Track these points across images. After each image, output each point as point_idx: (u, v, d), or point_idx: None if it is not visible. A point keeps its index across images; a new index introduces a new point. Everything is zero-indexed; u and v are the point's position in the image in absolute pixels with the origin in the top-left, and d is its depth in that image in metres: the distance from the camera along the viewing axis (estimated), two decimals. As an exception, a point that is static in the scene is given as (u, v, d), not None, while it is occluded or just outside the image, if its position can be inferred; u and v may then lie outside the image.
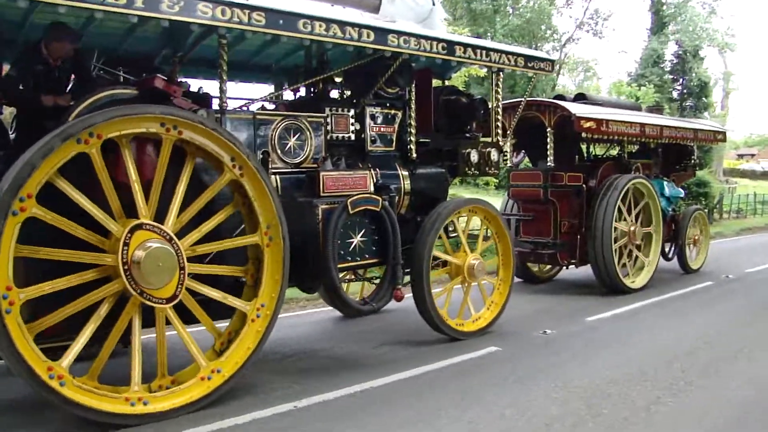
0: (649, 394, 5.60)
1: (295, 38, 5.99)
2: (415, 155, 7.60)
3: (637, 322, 8.58)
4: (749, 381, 6.00)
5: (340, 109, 7.01)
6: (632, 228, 10.93)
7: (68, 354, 4.78)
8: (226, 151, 5.39)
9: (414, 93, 7.59)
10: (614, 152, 12.89)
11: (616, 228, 10.53)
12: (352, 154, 7.20)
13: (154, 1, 4.91)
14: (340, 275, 6.44)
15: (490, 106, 8.48)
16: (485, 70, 9.12)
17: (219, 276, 5.67)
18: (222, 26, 5.39)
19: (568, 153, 11.27)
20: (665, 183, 12.45)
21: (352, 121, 7.12)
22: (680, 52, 35.89)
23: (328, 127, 6.86)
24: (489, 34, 31.67)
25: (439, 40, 6.90)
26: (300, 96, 7.57)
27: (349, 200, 6.12)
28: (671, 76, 35.71)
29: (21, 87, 5.64)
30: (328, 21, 5.96)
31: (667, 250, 12.82)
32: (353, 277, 7.96)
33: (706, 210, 16.05)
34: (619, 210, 10.59)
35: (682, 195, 13.21)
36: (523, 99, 9.38)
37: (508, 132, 11.00)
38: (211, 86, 10.07)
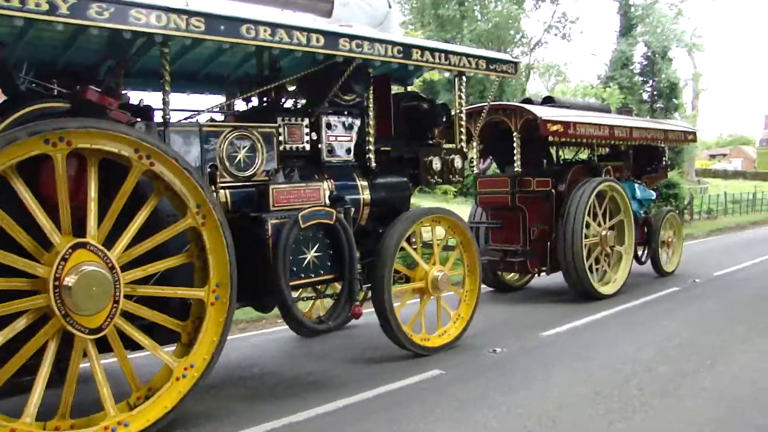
0: (601, 420, 5.18)
1: (239, 45, 5.70)
2: (374, 164, 7.35)
3: (595, 335, 8.19)
4: (712, 398, 5.65)
5: (293, 119, 6.74)
6: (603, 232, 10.74)
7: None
8: (193, 196, 5.12)
9: (372, 100, 7.33)
10: (584, 156, 12.72)
11: (586, 234, 10.33)
12: (308, 165, 6.93)
13: (81, 7, 4.59)
14: (295, 293, 6.16)
15: (452, 112, 8.25)
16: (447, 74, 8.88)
17: (166, 301, 5.36)
18: (157, 33, 5.08)
19: (535, 157, 11.09)
20: (636, 185, 12.32)
21: (306, 131, 6.84)
22: (649, 54, 36.07)
23: (281, 138, 6.58)
24: (457, 39, 31.55)
25: (394, 44, 6.66)
26: (253, 106, 7.26)
27: (300, 214, 5.83)
28: (641, 78, 35.85)
29: None
30: (274, 26, 5.68)
31: (640, 253, 12.68)
32: (314, 294, 7.68)
33: (677, 211, 15.90)
34: (589, 214, 10.39)
35: (654, 197, 13.09)
36: (486, 103, 9.14)
37: (473, 138, 10.90)
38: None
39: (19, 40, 5.76)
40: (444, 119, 8.20)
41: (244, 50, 6.88)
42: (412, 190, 7.97)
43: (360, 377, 6.52)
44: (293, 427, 5.27)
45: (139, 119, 5.37)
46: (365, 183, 7.31)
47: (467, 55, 7.56)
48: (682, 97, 40.60)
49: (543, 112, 10.14)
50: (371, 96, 7.28)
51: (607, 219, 10.96)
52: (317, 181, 6.48)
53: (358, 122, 7.28)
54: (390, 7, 7.62)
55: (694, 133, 14.97)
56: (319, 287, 7.47)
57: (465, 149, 8.31)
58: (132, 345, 5.19)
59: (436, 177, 7.91)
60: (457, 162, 8.07)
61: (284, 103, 7.43)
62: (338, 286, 6.95)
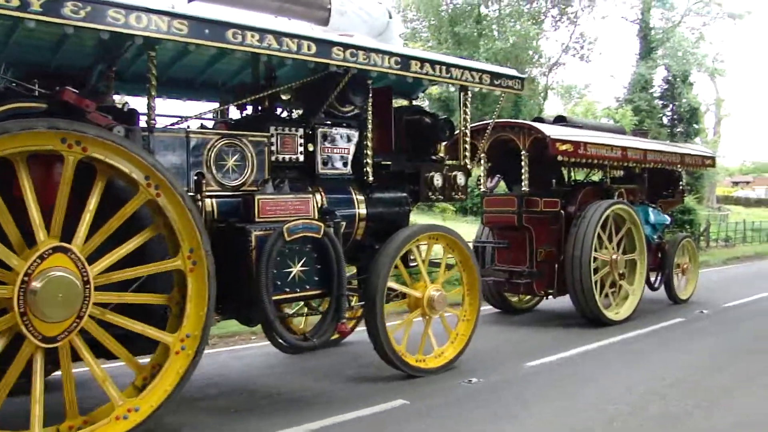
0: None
1: (228, 51, 5.52)
2: (371, 178, 7.12)
3: (585, 367, 7.62)
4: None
5: (287, 129, 6.55)
6: (614, 256, 10.43)
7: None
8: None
9: (371, 112, 7.12)
10: (597, 178, 12.44)
11: (595, 258, 10.03)
12: (302, 177, 6.74)
13: (55, 5, 4.42)
14: (290, 309, 5.93)
15: (459, 127, 8.04)
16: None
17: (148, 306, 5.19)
18: (137, 35, 4.90)
19: (545, 177, 10.81)
20: (650, 209, 11.99)
21: (301, 141, 6.64)
22: (669, 78, 35.66)
23: (273, 148, 6.39)
24: (474, 58, 31.43)
25: (391, 54, 6.46)
26: (247, 115, 7.09)
27: (285, 226, 5.60)
28: (660, 102, 35.42)
29: None
30: (262, 31, 5.50)
31: (653, 280, 12.34)
32: (307, 309, 7.45)
33: (693, 237, 15.52)
34: (599, 238, 10.09)
35: (668, 222, 12.73)
36: (491, 120, 8.90)
37: (481, 155, 10.67)
38: (162, 104, 9.65)
39: (6, 40, 5.64)
40: (447, 134, 7.97)
41: (240, 57, 6.69)
42: (411, 206, 7.73)
43: (326, 400, 6.28)
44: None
45: (119, 123, 5.16)
46: (362, 197, 7.11)
47: (470, 69, 7.34)
48: (704, 123, 40.19)
49: (552, 131, 9.89)
50: (370, 108, 7.07)
51: (620, 244, 10.62)
52: (308, 193, 6.25)
53: (355, 134, 7.08)
54: (390, 17, 7.44)
55: (713, 158, 14.63)
56: (312, 303, 7.24)
57: (469, 166, 8.05)
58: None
59: (437, 194, 7.67)
60: (460, 179, 7.83)
61: (282, 113, 7.24)
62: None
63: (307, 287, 5.88)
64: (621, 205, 10.61)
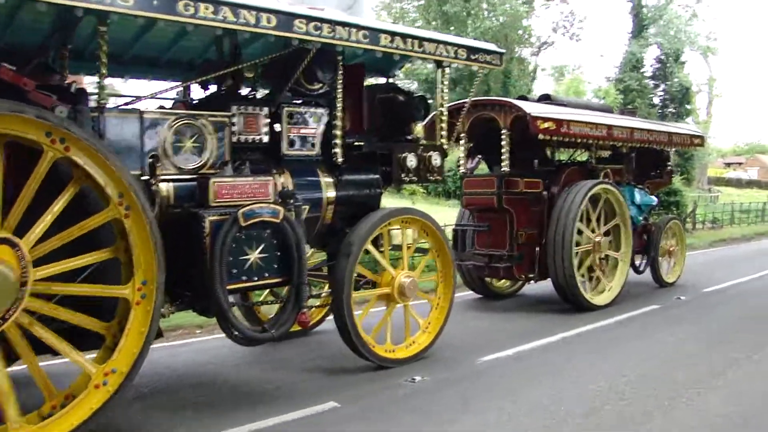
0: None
1: (177, 24, 5.29)
2: (341, 160, 6.85)
3: (540, 363, 7.12)
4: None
5: (250, 108, 6.26)
6: (597, 239, 10.22)
7: None
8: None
9: (342, 90, 6.84)
10: (584, 158, 12.20)
11: (578, 241, 9.82)
12: (266, 158, 6.47)
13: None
14: (251, 297, 5.68)
15: (437, 105, 7.79)
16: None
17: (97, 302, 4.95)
18: (78, 6, 4.61)
19: (527, 158, 10.56)
20: (636, 190, 11.82)
21: (265, 121, 6.36)
22: (661, 57, 35.33)
23: (235, 128, 6.11)
24: (462, 36, 31.13)
25: (359, 27, 6.18)
26: (211, 94, 6.81)
27: (240, 211, 5.34)
28: (652, 82, 35.12)
29: None
30: (217, 3, 5.21)
31: (638, 262, 12.16)
32: (273, 299, 7.22)
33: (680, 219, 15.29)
34: (582, 219, 9.87)
35: (655, 203, 12.55)
36: (467, 99, 8.63)
37: (461, 135, 10.41)
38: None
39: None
40: (422, 113, 7.71)
41: (204, 34, 6.43)
42: (384, 189, 7.48)
43: (254, 401, 5.93)
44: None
45: (63, 104, 4.88)
46: (330, 180, 6.86)
47: (445, 43, 7.07)
48: (696, 102, 39.92)
49: (534, 109, 9.63)
50: (340, 86, 6.79)
51: (602, 225, 10.42)
52: (271, 175, 5.98)
53: (324, 114, 6.81)
54: (360, -10, 7.15)
55: (702, 137, 14.40)
56: (277, 291, 7.01)
57: (446, 146, 7.80)
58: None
59: (411, 175, 7.42)
60: (435, 160, 7.56)
61: (252, 92, 6.96)
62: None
63: (266, 275, 5.62)
64: (605, 186, 10.38)
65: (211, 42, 7.13)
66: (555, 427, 5.23)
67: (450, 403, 5.83)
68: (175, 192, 5.63)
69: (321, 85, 6.73)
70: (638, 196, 11.74)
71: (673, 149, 13.62)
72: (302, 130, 6.63)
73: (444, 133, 7.74)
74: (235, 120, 6.13)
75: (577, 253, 9.79)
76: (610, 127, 10.76)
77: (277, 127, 6.54)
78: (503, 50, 7.95)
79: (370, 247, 6.67)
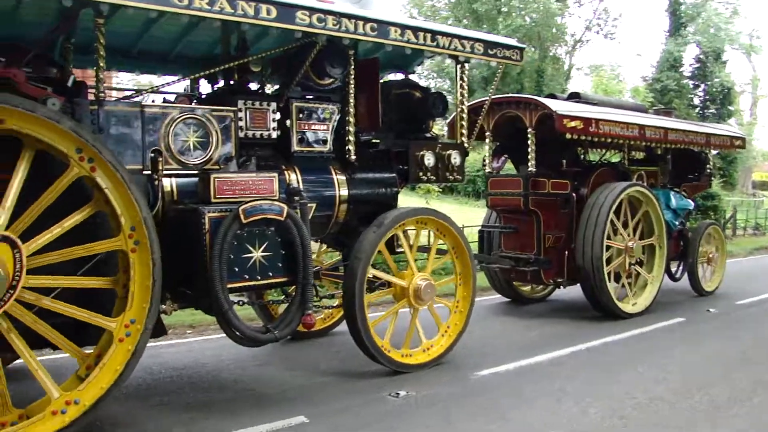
0: None
1: (175, 15, 5.20)
2: (354, 157, 6.69)
3: (540, 382, 6.49)
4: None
5: (257, 103, 6.13)
6: (630, 243, 9.90)
7: None
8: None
9: (355, 85, 6.68)
10: (616, 159, 11.89)
11: (608, 246, 9.51)
12: (275, 155, 6.33)
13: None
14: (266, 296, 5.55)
15: (456, 102, 7.60)
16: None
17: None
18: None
19: (555, 158, 10.27)
20: (672, 194, 11.43)
21: (273, 116, 6.23)
22: (700, 56, 34.58)
23: (241, 123, 5.97)
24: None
25: (366, 20, 6.00)
26: (218, 89, 6.69)
27: (241, 207, 5.18)
28: (691, 82, 34.38)
29: None
30: (213, -7, 5.08)
31: (674, 269, 11.79)
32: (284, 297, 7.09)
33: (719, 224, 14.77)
34: (613, 223, 9.57)
35: (692, 207, 12.10)
36: (488, 97, 8.41)
37: (487, 133, 10.19)
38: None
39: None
40: (440, 110, 7.50)
41: (212, 27, 6.30)
42: (400, 187, 7.29)
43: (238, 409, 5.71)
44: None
45: (56, 96, 4.78)
46: (343, 177, 6.70)
47: (460, 37, 6.87)
48: (739, 104, 39.04)
49: (561, 107, 9.35)
50: (352, 81, 6.63)
51: (635, 228, 10.10)
52: (274, 171, 5.82)
53: (336, 110, 6.66)
54: (370, -17, 6.97)
55: (743, 139, 13.90)
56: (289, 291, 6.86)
57: (466, 145, 7.59)
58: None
59: (429, 174, 7.22)
60: (455, 158, 7.36)
61: (260, 87, 6.83)
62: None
63: (270, 274, 5.45)
64: (638, 188, 10.05)
65: (217, 38, 7.03)
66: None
67: (431, 423, 5.37)
68: (178, 188, 5.57)
69: (332, 80, 6.59)
70: (674, 200, 11.35)
71: (713, 151, 13.20)
72: (313, 126, 6.49)
73: (464, 131, 7.54)
74: (241, 115, 6.00)
75: (608, 259, 9.47)
76: (642, 127, 10.41)
77: (287, 122, 6.41)
78: (523, 45, 7.71)
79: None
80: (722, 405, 5.80)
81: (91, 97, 5.32)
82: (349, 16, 5.89)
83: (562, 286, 10.12)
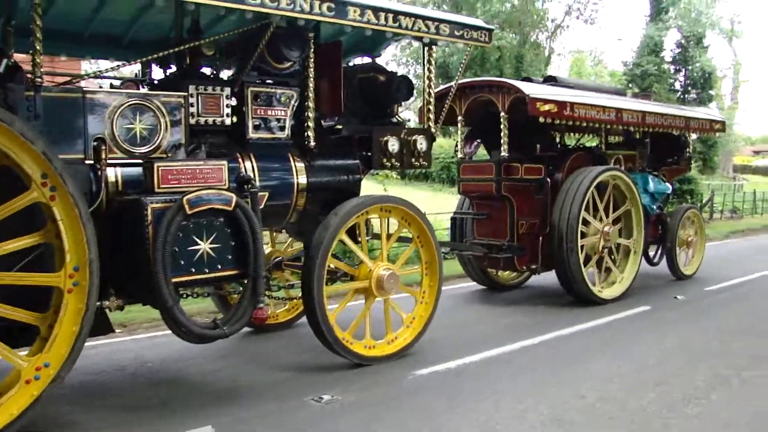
0: None
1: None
2: (313, 143, 6.43)
3: (481, 382, 6.00)
4: None
5: (209, 88, 5.85)
6: (606, 228, 9.70)
7: None
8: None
9: (316, 69, 6.42)
10: (594, 143, 11.70)
11: (584, 232, 9.32)
12: (229, 142, 6.07)
13: None
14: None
15: (423, 87, 7.38)
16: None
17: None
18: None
19: (529, 142, 10.04)
20: (650, 177, 11.26)
21: (227, 102, 5.95)
22: (681, 41, 34.42)
23: (193, 110, 5.70)
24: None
25: (323, 0, 5.70)
26: (170, 74, 6.41)
27: (186, 197, 4.91)
28: (672, 67, 34.22)
29: None
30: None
31: (652, 253, 11.64)
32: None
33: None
34: (588, 208, 9.36)
35: (669, 191, 11.96)
36: (453, 83, 8.19)
37: (459, 118, 9.95)
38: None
39: None
40: (406, 94, 7.25)
41: (165, 9, 6.03)
42: (363, 174, 7.05)
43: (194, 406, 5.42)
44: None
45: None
46: (302, 165, 6.45)
47: (425, 18, 6.61)
48: (720, 88, 38.92)
49: (534, 90, 9.11)
50: (312, 65, 6.37)
51: (611, 213, 9.89)
52: (228, 159, 5.55)
53: (295, 95, 6.39)
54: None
55: (723, 122, 13.73)
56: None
57: (433, 130, 7.35)
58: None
59: (393, 160, 6.98)
60: (421, 144, 7.12)
61: (213, 72, 6.56)
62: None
63: (219, 267, 5.18)
64: (614, 172, 9.85)
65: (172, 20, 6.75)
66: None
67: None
68: (123, 178, 5.30)
69: (290, 63, 6.33)
70: (652, 184, 11.20)
71: (692, 135, 13.03)
72: (269, 112, 6.22)
73: (431, 116, 7.31)
74: (192, 101, 5.73)
75: (582, 246, 9.28)
76: (619, 110, 10.21)
77: (243, 108, 6.15)
78: (492, 27, 7.48)
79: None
80: (677, 404, 5.39)
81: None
82: None
83: (536, 273, 9.91)
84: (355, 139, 6.98)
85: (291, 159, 6.38)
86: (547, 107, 8.96)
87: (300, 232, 6.91)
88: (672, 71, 33.82)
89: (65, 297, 4.51)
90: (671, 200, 16.10)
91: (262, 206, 5.66)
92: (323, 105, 6.80)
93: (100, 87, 6.03)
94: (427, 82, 7.31)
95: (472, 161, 10.22)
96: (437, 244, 6.93)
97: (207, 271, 5.12)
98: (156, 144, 5.40)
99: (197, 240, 5.05)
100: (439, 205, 12.69)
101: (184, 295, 5.85)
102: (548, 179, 9.66)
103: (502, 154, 9.31)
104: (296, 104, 6.42)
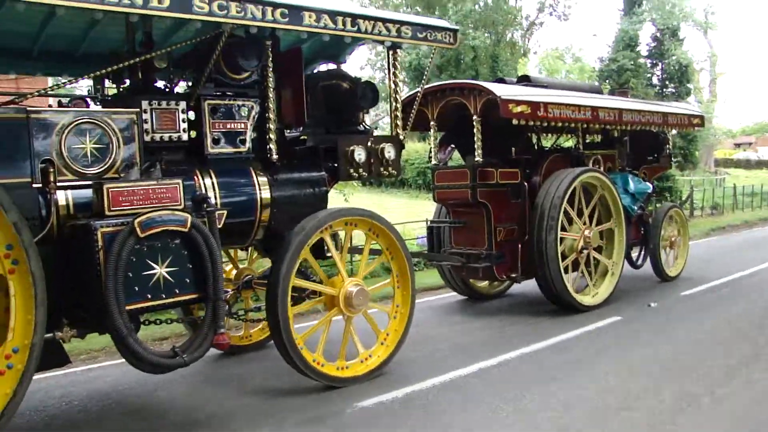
0: None
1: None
2: (276, 156, 6.28)
3: (427, 412, 5.62)
4: None
5: (164, 103, 5.68)
6: (586, 232, 9.59)
7: None
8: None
9: (274, 78, 6.28)
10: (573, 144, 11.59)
11: (562, 238, 9.21)
12: (188, 158, 5.90)
13: None
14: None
15: (389, 92, 7.24)
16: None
17: None
18: None
19: (505, 145, 9.91)
20: (630, 177, 11.19)
21: (183, 117, 5.79)
22: (657, 35, 34.53)
23: (147, 126, 5.53)
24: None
25: (276, 5, 5.57)
26: (123, 89, 6.24)
27: (137, 220, 4.74)
28: (649, 61, 34.32)
29: None
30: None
31: (635, 256, 11.55)
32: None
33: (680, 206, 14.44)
34: (566, 212, 9.26)
35: (650, 190, 11.87)
36: (419, 89, 8.07)
37: (432, 123, 9.82)
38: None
39: None
40: (370, 101, 7.12)
41: (119, 23, 5.88)
42: (330, 186, 6.90)
43: None
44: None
45: None
46: (265, 179, 6.29)
47: (385, 21, 6.48)
48: (698, 81, 39.08)
49: (505, 91, 8.99)
50: (271, 74, 6.23)
51: (591, 216, 9.79)
52: (184, 177, 5.38)
53: (254, 106, 6.24)
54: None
55: (701, 117, 13.70)
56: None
57: (401, 136, 7.22)
58: None
59: (360, 170, 6.83)
60: (389, 152, 6.99)
61: (167, 85, 6.39)
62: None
63: (177, 291, 5.01)
64: (592, 174, 9.75)
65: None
66: None
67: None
68: (74, 201, 5.11)
69: (247, 73, 6.18)
70: (632, 184, 11.13)
71: (671, 131, 12.98)
72: (229, 125, 6.07)
73: (399, 122, 7.18)
74: (146, 117, 5.57)
75: (563, 253, 9.18)
76: (595, 109, 10.11)
77: (207, 123, 5.99)
78: (456, 27, 7.36)
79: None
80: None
81: None
82: (257, 2, 5.45)
83: (517, 282, 9.79)
84: (321, 150, 6.82)
85: (253, 173, 6.23)
86: (519, 109, 8.84)
87: (268, 249, 6.74)
88: (649, 65, 33.92)
89: (1, 379, 4.34)
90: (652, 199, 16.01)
91: (220, 225, 5.49)
92: (286, 115, 6.68)
93: (50, 106, 5.84)
94: (393, 87, 7.17)
95: (446, 167, 10.07)
96: (408, 255, 6.79)
97: (164, 296, 4.95)
98: (108, 164, 5.23)
99: (152, 264, 4.88)
100: (416, 212, 12.51)
101: (146, 322, 5.69)
102: (525, 183, 9.55)
103: (476, 159, 9.18)
104: (257, 116, 6.28)
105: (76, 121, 5.09)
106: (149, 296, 4.88)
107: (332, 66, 7.78)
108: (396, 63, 7.15)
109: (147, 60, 5.67)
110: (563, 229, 9.26)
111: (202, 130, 5.95)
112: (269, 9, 5.52)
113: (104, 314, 4.63)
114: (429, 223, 10.44)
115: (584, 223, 9.61)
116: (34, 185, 4.89)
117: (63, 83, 6.09)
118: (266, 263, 7.63)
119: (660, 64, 34.01)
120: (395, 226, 6.97)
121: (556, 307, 9.37)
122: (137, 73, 5.90)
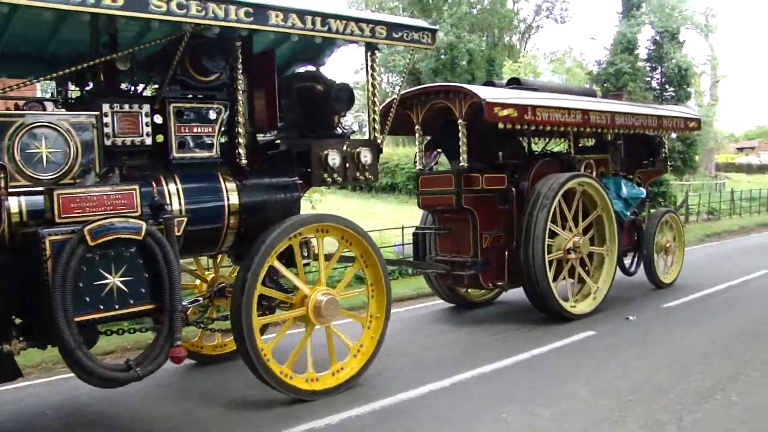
0: None
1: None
2: (245, 161, 6.11)
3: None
4: None
5: (126, 106, 5.52)
6: (576, 238, 9.41)
7: None
8: None
9: (244, 81, 6.13)
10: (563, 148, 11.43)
11: (550, 244, 9.04)
12: (152, 163, 5.74)
13: None
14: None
15: (367, 95, 7.09)
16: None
17: None
18: None
19: (492, 150, 9.73)
20: (623, 182, 11.03)
21: (147, 120, 5.63)
22: (656, 37, 34.33)
23: (108, 130, 5.37)
24: (438, 24, 30.35)
25: (240, 4, 5.41)
26: (85, 92, 6.09)
27: (87, 228, 4.57)
28: (648, 64, 34.10)
29: None
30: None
31: (628, 262, 11.38)
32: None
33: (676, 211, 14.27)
34: (555, 219, 9.09)
35: (644, 195, 11.71)
36: (395, 96, 7.93)
37: (417, 127, 9.66)
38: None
39: None
40: (345, 104, 6.95)
41: (78, 23, 5.72)
42: (303, 192, 6.74)
43: None
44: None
45: None
46: (233, 184, 6.13)
47: (358, 20, 6.33)
48: (699, 85, 38.89)
49: (491, 94, 8.83)
50: (240, 76, 6.08)
51: (580, 222, 9.63)
52: (141, 183, 5.21)
53: (223, 109, 6.08)
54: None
55: (698, 120, 13.54)
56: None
57: (379, 140, 7.06)
58: None
59: (335, 175, 6.65)
60: (365, 156, 6.81)
61: (130, 87, 6.25)
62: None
63: (131, 302, 4.84)
64: (582, 179, 9.57)
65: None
66: None
67: None
68: (27, 208, 4.94)
69: (215, 76, 6.02)
70: (625, 189, 10.97)
71: (668, 134, 12.81)
72: (195, 129, 5.91)
73: (377, 126, 7.02)
74: (107, 120, 5.41)
75: (551, 262, 9.02)
76: (586, 112, 9.95)
77: (172, 126, 5.83)
78: (434, 27, 7.20)
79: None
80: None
81: None
82: (219, 1, 5.29)
83: (504, 290, 9.61)
84: (294, 154, 6.66)
85: (220, 179, 6.07)
86: (505, 112, 8.68)
87: (239, 256, 6.57)
88: (648, 69, 33.70)
89: None
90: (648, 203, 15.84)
91: (180, 232, 5.33)
92: (258, 119, 6.53)
93: (8, 109, 5.68)
94: (371, 89, 7.02)
95: (430, 173, 9.90)
96: (383, 263, 6.63)
97: (117, 307, 4.79)
98: (65, 169, 5.08)
99: (105, 274, 4.72)
100: (403, 218, 12.31)
101: (108, 332, 5.53)
102: (513, 189, 9.39)
103: (461, 164, 9.00)
104: (225, 119, 6.12)
105: (30, 124, 4.95)
106: (101, 307, 4.72)
107: (311, 68, 7.64)
108: (374, 64, 6.98)
109: (109, 62, 5.53)
110: (553, 235, 9.10)
111: (166, 134, 5.79)
112: (233, 8, 5.38)
113: (51, 329, 4.46)
114: (414, 229, 10.25)
115: (569, 230, 9.44)
116: None
117: (17, 85, 5.94)
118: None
119: (659, 67, 33.78)
120: (373, 233, 6.82)
121: (541, 316, 9.22)
122: (100, 75, 5.74)
